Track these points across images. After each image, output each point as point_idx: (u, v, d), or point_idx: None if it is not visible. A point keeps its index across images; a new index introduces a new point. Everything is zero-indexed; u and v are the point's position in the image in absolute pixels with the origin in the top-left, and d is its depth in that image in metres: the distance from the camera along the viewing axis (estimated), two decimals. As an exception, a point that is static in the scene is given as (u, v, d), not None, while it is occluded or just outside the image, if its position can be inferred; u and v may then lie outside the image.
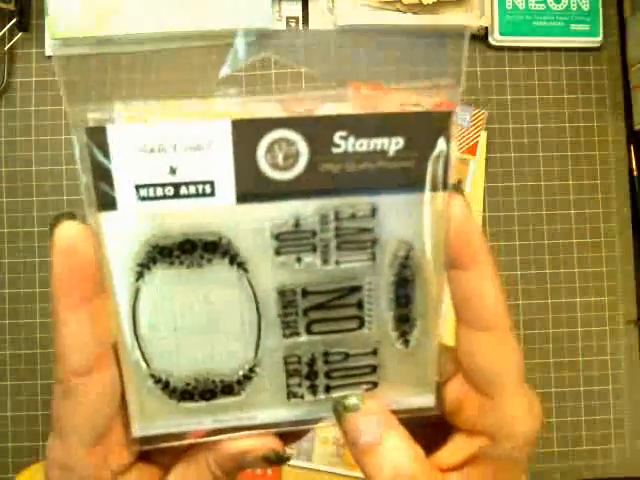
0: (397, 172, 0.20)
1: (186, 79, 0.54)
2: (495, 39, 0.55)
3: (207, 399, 0.21)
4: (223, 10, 0.53)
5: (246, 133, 0.19)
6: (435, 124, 0.20)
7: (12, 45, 0.53)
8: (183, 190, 0.19)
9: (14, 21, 0.52)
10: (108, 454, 0.21)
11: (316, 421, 0.22)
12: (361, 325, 0.21)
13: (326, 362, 0.22)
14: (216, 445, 0.21)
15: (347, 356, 0.22)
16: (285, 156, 0.20)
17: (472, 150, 0.53)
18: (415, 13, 0.54)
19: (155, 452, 0.22)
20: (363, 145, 0.20)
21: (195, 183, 0.19)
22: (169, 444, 0.21)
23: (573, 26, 0.55)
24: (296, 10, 0.55)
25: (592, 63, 0.56)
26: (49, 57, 0.54)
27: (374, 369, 0.22)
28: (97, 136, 0.19)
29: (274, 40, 0.55)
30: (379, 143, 0.20)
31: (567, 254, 0.55)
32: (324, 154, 0.20)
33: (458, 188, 0.21)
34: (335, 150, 0.20)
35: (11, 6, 0.51)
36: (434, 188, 0.20)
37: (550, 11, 0.55)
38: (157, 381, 0.21)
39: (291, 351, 0.21)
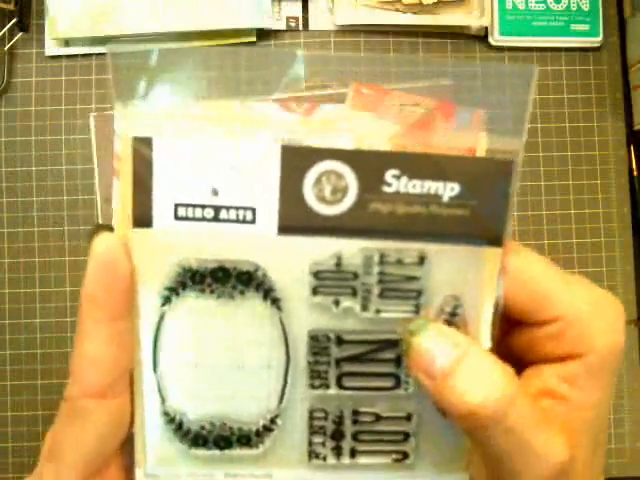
0: (450, 220, 0.19)
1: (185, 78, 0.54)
2: (495, 39, 0.55)
3: (221, 448, 0.20)
4: (223, 10, 0.53)
5: (295, 160, 0.18)
6: (496, 172, 0.19)
7: (12, 45, 0.53)
8: (223, 214, 0.18)
9: (14, 21, 0.52)
10: None
11: None
12: (397, 385, 0.20)
13: (355, 422, 0.20)
14: None
15: (378, 418, 0.20)
16: (333, 190, 0.18)
17: (472, 150, 0.53)
18: (415, 13, 0.54)
19: None
20: (416, 187, 0.19)
21: (236, 208, 0.18)
22: None
23: (573, 26, 0.55)
24: (296, 10, 0.55)
25: (592, 63, 0.56)
26: (49, 57, 0.54)
27: (406, 437, 0.20)
28: (143, 146, 0.18)
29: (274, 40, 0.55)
30: (433, 187, 0.19)
31: (567, 254, 0.55)
32: (374, 192, 0.19)
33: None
34: (386, 189, 0.19)
35: (11, 6, 0.51)
36: (490, 242, 0.19)
37: (550, 11, 0.55)
38: (170, 420, 0.19)
39: (318, 405, 0.20)
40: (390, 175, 0.18)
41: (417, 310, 0.19)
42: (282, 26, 0.55)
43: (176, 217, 0.18)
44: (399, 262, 0.19)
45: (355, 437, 0.20)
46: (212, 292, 0.19)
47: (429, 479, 0.20)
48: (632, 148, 0.56)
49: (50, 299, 0.53)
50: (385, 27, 0.55)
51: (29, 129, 0.54)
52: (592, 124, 0.56)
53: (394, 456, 0.20)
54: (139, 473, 0.19)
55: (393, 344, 0.19)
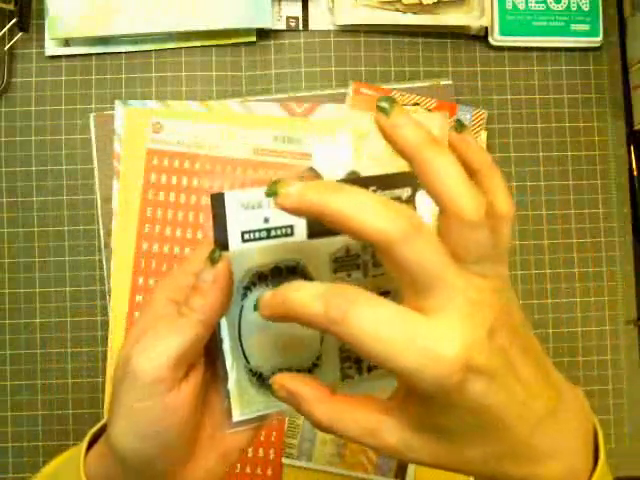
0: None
1: (187, 78, 0.54)
2: (495, 39, 0.55)
3: None
4: (223, 10, 0.53)
5: None
6: (408, 180, 0.28)
7: (12, 45, 0.53)
8: (273, 232, 0.27)
9: (14, 21, 0.52)
10: None
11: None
12: None
13: None
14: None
15: None
16: None
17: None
18: (415, 13, 0.54)
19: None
20: (387, 195, 0.27)
21: (281, 227, 0.27)
22: (256, 424, 0.29)
23: (573, 26, 0.55)
24: (296, 10, 0.55)
25: (592, 63, 0.56)
26: (49, 57, 0.54)
27: None
28: (219, 198, 0.26)
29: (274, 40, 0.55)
30: (397, 193, 0.28)
31: (567, 254, 0.55)
32: None
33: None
34: None
35: (11, 6, 0.51)
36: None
37: (550, 11, 0.55)
38: (254, 374, 0.28)
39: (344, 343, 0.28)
40: (371, 190, 0.27)
41: None
42: (282, 26, 0.55)
43: (243, 240, 0.27)
44: None
45: None
46: (272, 284, 0.28)
47: None
48: (632, 148, 0.56)
49: (50, 299, 0.53)
50: (385, 27, 0.55)
51: (29, 129, 0.54)
52: (592, 124, 0.56)
53: None
54: (235, 415, 0.28)
55: (384, 294, 0.28)
